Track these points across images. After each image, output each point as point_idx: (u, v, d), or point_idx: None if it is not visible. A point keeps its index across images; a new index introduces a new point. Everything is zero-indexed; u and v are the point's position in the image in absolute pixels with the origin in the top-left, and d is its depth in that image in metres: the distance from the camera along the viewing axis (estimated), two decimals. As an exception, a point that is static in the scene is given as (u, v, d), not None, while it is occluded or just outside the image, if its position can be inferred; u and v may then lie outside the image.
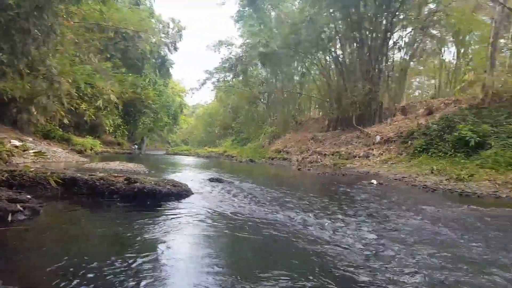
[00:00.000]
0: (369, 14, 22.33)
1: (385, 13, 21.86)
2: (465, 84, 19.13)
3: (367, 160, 16.81)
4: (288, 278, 2.56)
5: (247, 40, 34.72)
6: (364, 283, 2.54)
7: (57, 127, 19.84)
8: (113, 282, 2.30)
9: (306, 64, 30.47)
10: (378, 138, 18.29)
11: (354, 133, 20.99)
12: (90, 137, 23.44)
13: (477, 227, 4.49)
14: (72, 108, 20.41)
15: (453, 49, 27.50)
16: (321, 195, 7.13)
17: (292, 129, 30.08)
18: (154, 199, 5.18)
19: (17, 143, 11.88)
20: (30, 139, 15.46)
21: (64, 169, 8.04)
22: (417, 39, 23.04)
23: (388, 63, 23.90)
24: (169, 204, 5.08)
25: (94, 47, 19.50)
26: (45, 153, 10.37)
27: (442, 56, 28.14)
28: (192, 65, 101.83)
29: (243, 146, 32.99)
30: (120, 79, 28.50)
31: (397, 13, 21.64)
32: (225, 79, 39.17)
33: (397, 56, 24.82)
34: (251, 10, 34.48)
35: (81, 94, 21.98)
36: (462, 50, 26.79)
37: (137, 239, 3.39)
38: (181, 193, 5.68)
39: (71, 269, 2.48)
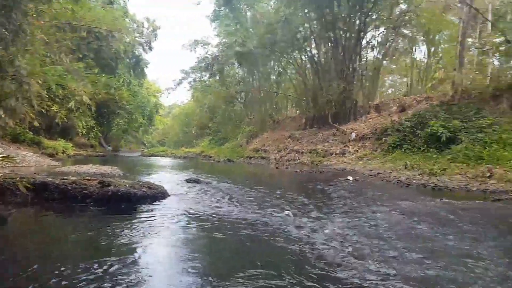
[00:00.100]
0: (343, 15, 22.70)
1: (358, 13, 22.28)
2: (436, 81, 19.81)
3: (343, 157, 17.09)
4: (265, 277, 2.55)
5: (223, 40, 34.50)
6: (342, 280, 2.56)
7: (27, 130, 19.06)
8: (87, 288, 2.22)
9: (282, 63, 30.64)
10: (353, 135, 18.63)
11: (330, 130, 21.28)
12: (62, 139, 22.64)
13: (450, 220, 4.64)
14: (42, 110, 19.68)
15: (424, 48, 28.39)
16: (299, 193, 7.18)
17: (269, 128, 30.18)
18: (129, 202, 5.07)
19: (-18, 147, 11.31)
20: (-2, 143, 14.77)
21: (35, 173, 7.72)
22: (389, 39, 23.61)
23: (362, 62, 24.38)
24: (144, 207, 4.99)
25: (66, 47, 18.82)
26: (14, 157, 9.91)
27: (414, 55, 29.00)
28: (168, 65, 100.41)
29: (221, 146, 32.81)
30: (93, 79, 27.78)
31: (369, 13, 22.10)
32: (202, 79, 38.76)
33: (371, 55, 25.37)
34: (227, 10, 34.31)
35: (52, 95, 21.24)
36: (432, 49, 27.67)
37: (111, 243, 3.31)
38: (157, 195, 5.59)
39: (42, 277, 2.38)
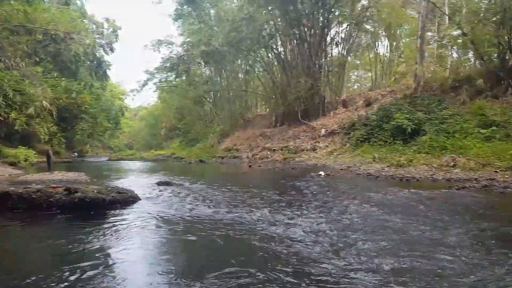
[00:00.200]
0: (306, 11, 22.97)
1: (321, 10, 22.64)
2: (399, 75, 20.46)
3: (314, 153, 17.34)
4: (239, 275, 2.55)
5: (188, 39, 34.01)
6: (317, 275, 2.55)
7: (-17, 139, 17.93)
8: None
9: (250, 61, 30.61)
10: (323, 131, 18.94)
11: (300, 127, 21.52)
12: (23, 147, 21.46)
13: (420, 210, 4.78)
14: (0, 117, 18.58)
15: (386, 42, 29.31)
16: (272, 190, 7.18)
17: (240, 127, 30.13)
18: (98, 209, 4.90)
19: None
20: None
21: (-6, 185, 7.25)
22: (353, 34, 24.16)
23: (327, 58, 24.83)
24: (114, 213, 4.85)
25: (21, 51, 17.85)
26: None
27: (377, 49, 29.87)
28: (133, 66, 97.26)
29: (192, 147, 32.33)
30: (52, 84, 26.57)
31: (332, 10, 22.52)
32: (168, 79, 38.06)
33: (335, 51, 25.89)
34: (189, 8, 33.79)
35: (9, 102, 20.07)
36: (394, 44, 28.61)
37: (80, 250, 3.20)
38: (127, 200, 5.45)
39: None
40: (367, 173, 9.94)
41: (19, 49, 17.45)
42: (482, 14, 14.36)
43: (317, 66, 23.16)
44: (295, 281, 2.45)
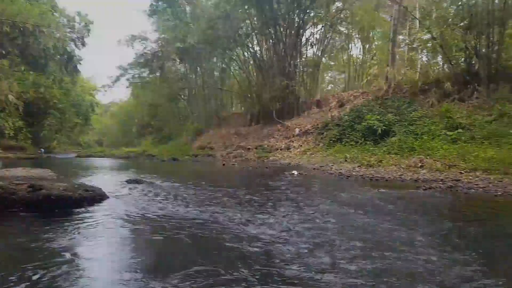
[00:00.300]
0: (282, 11, 23.08)
1: (297, 11, 22.84)
2: (371, 77, 20.91)
3: (288, 152, 17.44)
4: (207, 274, 2.51)
5: (163, 35, 33.39)
6: (287, 276, 2.50)
7: None
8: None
9: (226, 59, 30.45)
10: (297, 130, 19.08)
11: (275, 126, 21.60)
12: (-15, 142, 20.40)
13: (389, 210, 4.85)
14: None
15: (359, 45, 29.92)
16: (246, 189, 7.11)
17: (215, 125, 29.88)
18: (64, 207, 4.69)
19: None
20: None
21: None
22: (327, 36, 24.51)
23: (303, 59, 25.07)
24: (81, 211, 4.67)
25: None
26: None
27: (350, 51, 30.44)
28: (105, 61, 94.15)
29: (165, 144, 31.79)
30: (19, 77, 25.43)
31: (307, 11, 22.77)
32: (141, 75, 37.25)
33: (310, 52, 26.19)
34: (164, 4, 33.16)
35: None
36: (367, 46, 29.26)
37: (42, 249, 3.06)
38: (95, 197, 5.27)
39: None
40: (339, 172, 10.07)
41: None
42: (450, 19, 14.90)
43: (292, 66, 23.33)
44: (263, 281, 2.41)
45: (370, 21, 25.00)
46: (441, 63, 18.40)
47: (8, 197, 4.51)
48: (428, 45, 17.65)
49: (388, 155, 11.32)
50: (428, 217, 4.52)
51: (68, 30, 32.90)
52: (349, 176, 9.31)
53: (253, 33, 25.59)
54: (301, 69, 24.60)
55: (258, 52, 26.31)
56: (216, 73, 34.08)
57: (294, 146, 17.86)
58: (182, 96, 37.69)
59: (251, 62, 27.68)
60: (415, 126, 12.83)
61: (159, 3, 33.51)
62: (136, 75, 37.15)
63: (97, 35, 70.23)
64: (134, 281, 2.40)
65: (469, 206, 5.37)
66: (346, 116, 16.24)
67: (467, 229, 3.99)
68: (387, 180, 8.53)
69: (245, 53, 27.83)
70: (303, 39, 24.55)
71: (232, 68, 31.27)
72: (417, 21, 18.40)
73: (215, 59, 31.87)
